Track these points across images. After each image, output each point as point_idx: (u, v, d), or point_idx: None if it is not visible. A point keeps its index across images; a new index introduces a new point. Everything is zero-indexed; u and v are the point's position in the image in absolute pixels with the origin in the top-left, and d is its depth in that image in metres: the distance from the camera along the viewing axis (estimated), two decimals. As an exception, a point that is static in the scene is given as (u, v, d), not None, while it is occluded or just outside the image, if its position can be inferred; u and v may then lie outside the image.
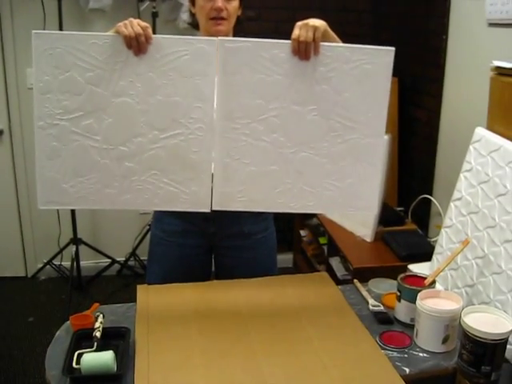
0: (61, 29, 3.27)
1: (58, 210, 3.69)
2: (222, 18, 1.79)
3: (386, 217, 3.00)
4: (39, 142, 1.58)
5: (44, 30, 3.27)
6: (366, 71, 1.58)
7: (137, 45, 1.55)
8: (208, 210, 1.66)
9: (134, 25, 1.54)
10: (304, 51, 1.55)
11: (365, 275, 1.92)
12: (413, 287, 1.61)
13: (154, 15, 3.42)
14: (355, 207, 1.70)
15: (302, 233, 3.92)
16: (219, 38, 1.56)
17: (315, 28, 1.54)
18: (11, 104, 3.65)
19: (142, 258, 3.89)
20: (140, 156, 1.61)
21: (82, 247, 3.77)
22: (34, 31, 1.53)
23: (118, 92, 1.58)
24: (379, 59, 1.57)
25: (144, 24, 1.54)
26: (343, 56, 1.57)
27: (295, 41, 1.54)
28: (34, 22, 3.38)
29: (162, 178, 1.63)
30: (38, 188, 1.62)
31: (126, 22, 1.54)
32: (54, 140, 1.59)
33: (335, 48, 1.58)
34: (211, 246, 1.99)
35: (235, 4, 1.82)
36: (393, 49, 1.57)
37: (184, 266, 1.97)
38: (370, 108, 1.61)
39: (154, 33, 1.54)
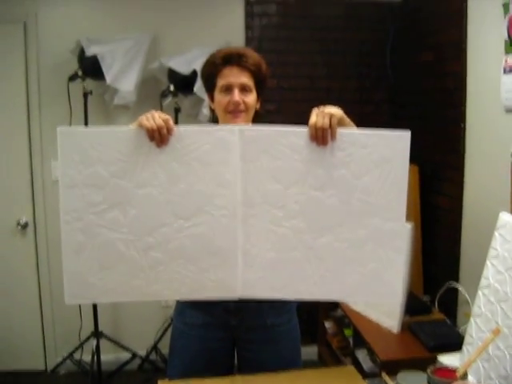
0: (86, 123, 3.38)
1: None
2: (240, 111, 1.83)
3: (412, 306, 2.95)
4: (65, 236, 1.60)
5: (70, 124, 3.38)
6: (383, 155, 1.59)
7: (159, 137, 1.58)
8: (236, 297, 1.65)
9: (156, 117, 1.57)
10: (321, 137, 1.58)
11: (393, 367, 1.86)
12: (444, 380, 1.54)
13: (177, 110, 3.54)
14: (379, 294, 1.68)
15: (327, 324, 3.85)
16: (239, 126, 1.60)
17: (331, 115, 1.57)
18: (36, 196, 3.74)
19: (163, 352, 3.80)
20: (166, 245, 1.62)
21: (102, 341, 3.72)
22: (58, 128, 1.57)
23: (141, 183, 1.60)
24: (395, 143, 1.59)
25: (165, 116, 1.58)
26: (360, 141, 1.59)
27: (312, 127, 1.57)
28: (60, 117, 3.50)
29: (189, 266, 1.64)
30: (65, 283, 1.63)
31: (148, 114, 1.58)
32: (80, 234, 1.61)
33: (351, 134, 1.60)
34: (233, 338, 1.95)
35: (252, 97, 1.86)
36: (408, 133, 1.58)
37: (205, 359, 1.92)
38: (389, 192, 1.61)
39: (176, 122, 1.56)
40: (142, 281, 1.64)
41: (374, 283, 1.66)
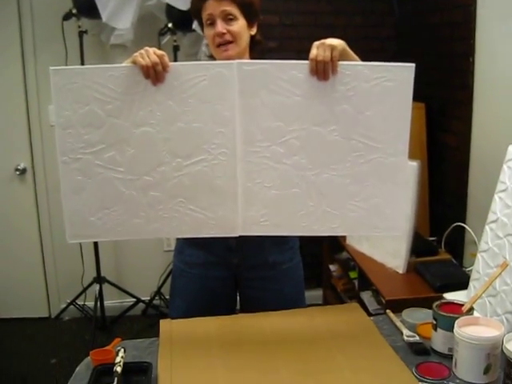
0: (82, 64, 3.36)
1: (81, 248, 3.74)
2: (228, 42, 1.79)
3: (418, 247, 2.96)
4: (64, 177, 1.62)
5: (66, 66, 3.30)
6: (387, 89, 1.58)
7: (154, 74, 1.57)
8: (237, 234, 1.67)
9: (151, 54, 1.56)
10: (322, 71, 1.56)
11: (398, 308, 1.88)
12: (450, 315, 1.56)
13: (176, 49, 3.52)
14: (381, 228, 1.69)
15: (332, 267, 3.88)
16: (237, 61, 1.58)
17: (332, 47, 1.55)
18: (34, 142, 3.78)
19: (167, 297, 3.84)
20: (164, 184, 1.64)
21: (105, 286, 3.80)
22: (51, 67, 1.57)
23: (138, 122, 1.60)
24: (400, 76, 1.58)
25: (160, 52, 1.57)
26: (363, 74, 1.57)
27: (313, 61, 1.55)
28: (56, 59, 3.48)
29: (188, 205, 1.65)
30: (66, 222, 1.66)
31: (142, 51, 1.57)
32: (78, 174, 1.63)
33: (354, 66, 1.58)
34: (235, 277, 1.98)
35: (239, 25, 1.80)
36: (413, 65, 1.57)
37: (207, 299, 1.95)
38: (392, 126, 1.61)
39: (175, 60, 1.56)
40: (141, 219, 1.66)
41: (376, 218, 1.67)
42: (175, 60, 3.37)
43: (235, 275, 1.97)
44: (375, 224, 1.68)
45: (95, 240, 1.73)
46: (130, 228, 1.67)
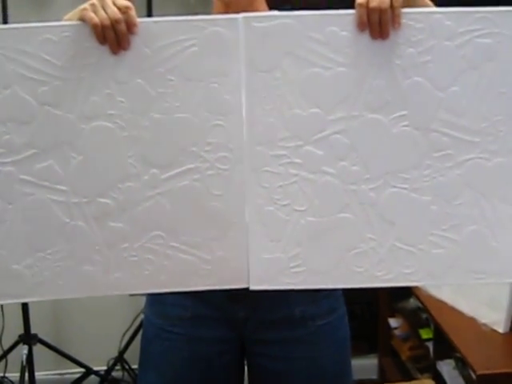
0: (5, 21, 2.86)
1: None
2: None
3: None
4: None
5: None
6: (485, 49, 1.32)
7: (114, 37, 1.31)
8: (246, 286, 1.43)
9: (108, 5, 1.30)
10: (377, 24, 1.29)
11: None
12: None
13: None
14: (485, 272, 1.42)
15: (393, 322, 3.42)
16: (243, 14, 1.34)
17: None
18: None
19: (134, 367, 3.41)
20: (131, 210, 1.40)
21: (37, 349, 3.28)
22: None
23: (89, 113, 1.36)
24: (505, 27, 1.32)
25: (123, 3, 1.31)
26: (443, 27, 1.31)
27: (362, 8, 1.28)
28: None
29: (170, 241, 1.41)
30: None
31: (95, 1, 1.31)
32: None
33: (428, 15, 1.32)
34: (241, 340, 1.68)
35: None
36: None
37: (198, 375, 1.67)
38: (495, 108, 1.35)
39: (150, 15, 1.35)
40: (95, 266, 1.42)
41: (476, 256, 1.41)
42: (149, 15, 2.91)
43: (241, 337, 1.67)
44: (475, 266, 1.41)
45: (21, 301, 1.49)
46: (78, 280, 1.43)
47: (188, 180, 1.39)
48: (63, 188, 1.38)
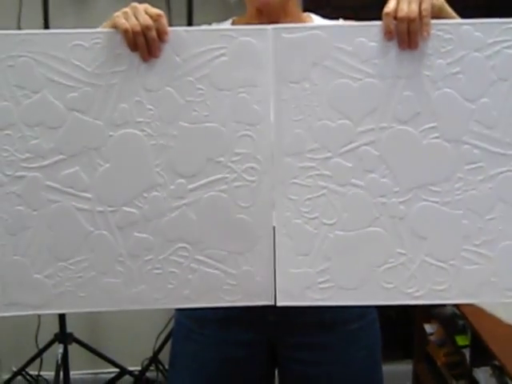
0: (46, 26, 2.84)
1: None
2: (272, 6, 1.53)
3: None
4: None
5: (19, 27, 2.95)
6: None
7: (145, 45, 1.31)
8: (271, 303, 1.39)
9: (140, 13, 1.30)
10: (406, 34, 1.28)
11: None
12: None
13: (190, 7, 2.96)
14: None
15: (428, 328, 3.31)
16: (273, 26, 1.34)
17: None
18: None
19: (168, 368, 3.27)
20: (157, 220, 1.37)
21: (72, 348, 3.25)
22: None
23: (117, 120, 1.34)
24: None
25: (155, 11, 1.32)
26: (472, 38, 1.30)
27: (389, 17, 1.27)
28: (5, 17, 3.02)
29: (195, 254, 1.38)
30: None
31: (127, 9, 1.32)
32: (17, 202, 1.36)
33: (457, 26, 1.31)
34: (271, 344, 1.65)
35: None
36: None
37: (226, 376, 1.64)
38: None
39: (190, 23, 1.37)
40: (118, 278, 1.39)
41: (508, 272, 1.37)
42: (190, 8, 2.86)
43: (271, 340, 1.64)
44: (510, 283, 1.38)
45: (42, 312, 1.46)
46: (100, 292, 1.40)
47: (215, 191, 1.36)
48: (88, 196, 1.36)
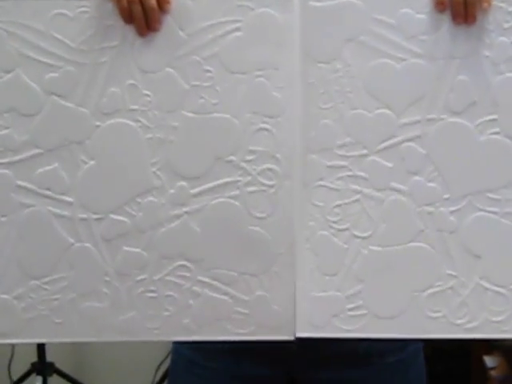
0: None
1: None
2: None
3: None
4: None
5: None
6: None
7: (142, 14, 1.20)
8: (290, 337, 1.27)
9: None
10: (462, 5, 1.17)
11: None
12: None
13: None
14: None
15: (489, 361, 3.11)
16: None
17: None
18: None
19: None
20: (152, 232, 1.24)
21: (54, 380, 3.09)
22: None
23: (106, 107, 1.23)
24: None
25: None
26: None
27: None
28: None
29: (197, 274, 1.24)
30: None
31: None
32: None
33: None
34: (290, 380, 1.51)
35: None
36: None
37: None
38: None
39: None
40: (102, 302, 1.25)
41: None
42: None
43: (292, 376, 1.49)
44: None
45: (8, 341, 1.34)
46: (80, 319, 1.27)
47: (224, 197, 1.22)
48: (69, 199, 1.22)
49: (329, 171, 1.21)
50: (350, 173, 1.21)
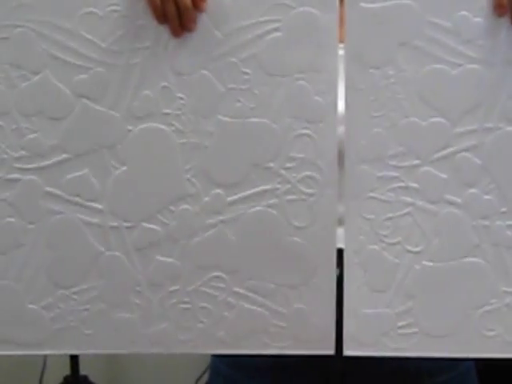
0: None
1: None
2: None
3: None
4: None
5: None
6: None
7: (176, 13, 1.16)
8: (330, 352, 1.23)
9: None
10: None
11: None
12: None
13: None
14: None
15: None
16: None
17: None
18: None
19: None
20: (186, 241, 1.21)
21: None
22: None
23: (138, 111, 1.18)
24: None
25: None
26: None
27: None
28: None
29: (233, 285, 1.22)
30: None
31: None
32: (9, 212, 1.22)
33: None
34: None
35: None
36: None
37: None
38: None
39: None
40: (133, 313, 1.23)
41: None
42: None
43: None
44: None
45: (36, 352, 1.33)
46: (110, 330, 1.24)
47: (261, 205, 1.18)
48: (99, 207, 1.19)
49: (380, 182, 1.18)
50: (402, 184, 1.18)
